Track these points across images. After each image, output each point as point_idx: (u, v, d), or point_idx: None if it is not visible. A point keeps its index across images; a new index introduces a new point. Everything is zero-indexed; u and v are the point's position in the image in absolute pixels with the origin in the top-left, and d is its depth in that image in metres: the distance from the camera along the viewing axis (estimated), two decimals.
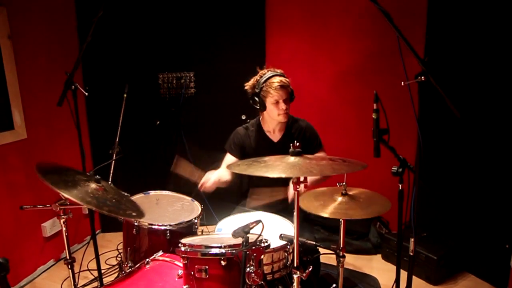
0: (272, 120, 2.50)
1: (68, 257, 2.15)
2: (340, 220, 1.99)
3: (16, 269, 2.92)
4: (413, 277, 2.13)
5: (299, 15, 3.47)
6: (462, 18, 2.91)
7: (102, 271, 3.02)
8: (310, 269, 1.54)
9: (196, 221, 2.38)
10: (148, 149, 3.49)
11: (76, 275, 3.08)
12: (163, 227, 2.26)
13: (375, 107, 1.85)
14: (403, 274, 3.02)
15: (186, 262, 1.68)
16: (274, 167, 1.44)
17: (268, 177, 1.35)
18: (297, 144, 1.53)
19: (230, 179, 2.55)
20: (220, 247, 1.62)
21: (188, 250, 1.66)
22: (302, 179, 1.47)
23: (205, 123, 3.58)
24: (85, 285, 2.99)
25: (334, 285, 2.15)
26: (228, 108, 3.55)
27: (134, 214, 1.85)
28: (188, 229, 2.39)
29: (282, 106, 2.37)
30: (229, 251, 1.59)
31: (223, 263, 1.59)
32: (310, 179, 2.31)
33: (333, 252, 1.98)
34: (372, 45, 3.34)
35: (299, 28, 3.49)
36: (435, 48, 3.07)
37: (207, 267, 1.62)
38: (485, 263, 2.96)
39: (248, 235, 1.53)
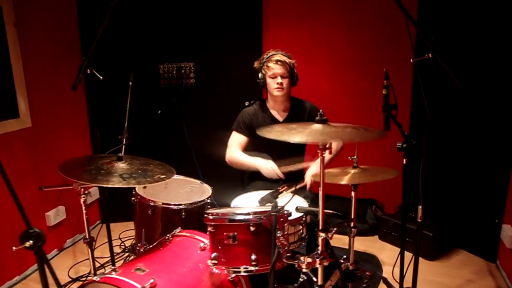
0: (274, 99, 2.64)
1: (87, 237, 2.18)
2: (352, 189, 2.12)
3: (22, 258, 2.92)
4: (411, 254, 2.27)
5: (296, 7, 3.58)
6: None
7: (108, 259, 3.06)
8: (335, 230, 1.64)
9: (208, 201, 2.46)
10: (150, 138, 3.54)
11: (81, 263, 3.12)
12: (179, 207, 2.33)
13: (385, 84, 1.96)
14: (406, 254, 3.19)
15: (213, 230, 1.76)
16: (305, 133, 1.54)
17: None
18: (322, 112, 1.63)
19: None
20: (248, 214, 1.71)
21: (217, 218, 1.74)
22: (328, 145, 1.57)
23: (206, 112, 3.66)
24: (102, 266, 3.06)
25: (344, 256, 2.27)
26: (227, 97, 3.64)
27: (163, 176, 1.92)
28: (201, 208, 2.45)
29: (278, 80, 2.53)
30: (257, 217, 1.68)
31: (252, 228, 1.68)
32: (327, 157, 2.44)
33: (345, 221, 2.10)
34: (367, 36, 3.48)
35: (296, 19, 3.61)
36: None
37: (236, 233, 1.70)
38: (476, 238, 3.14)
39: (277, 200, 1.62)
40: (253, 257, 1.67)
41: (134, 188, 2.48)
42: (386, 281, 2.59)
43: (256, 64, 2.69)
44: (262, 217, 1.66)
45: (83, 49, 3.41)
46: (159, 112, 3.50)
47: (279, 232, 1.66)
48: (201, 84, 3.62)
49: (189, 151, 3.56)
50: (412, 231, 2.88)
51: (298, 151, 2.70)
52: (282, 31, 3.63)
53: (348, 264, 2.21)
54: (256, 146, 2.74)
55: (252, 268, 1.68)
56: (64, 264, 3.11)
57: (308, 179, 2.43)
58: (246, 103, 3.04)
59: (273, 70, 2.54)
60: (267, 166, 2.44)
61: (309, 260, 1.62)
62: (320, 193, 1.62)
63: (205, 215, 1.79)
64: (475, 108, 3.02)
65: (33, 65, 2.93)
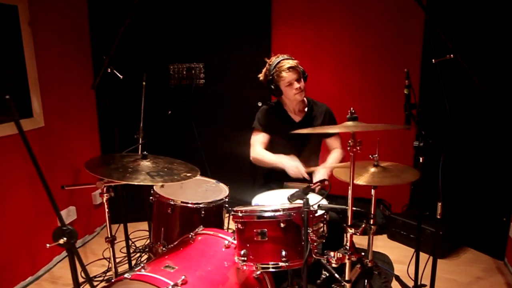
0: (291, 101, 2.64)
1: (109, 236, 2.18)
2: (372, 188, 2.16)
3: (35, 258, 2.91)
4: (421, 252, 2.33)
5: (304, 7, 3.63)
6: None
7: (119, 259, 3.06)
8: (363, 227, 1.67)
9: (227, 199, 2.48)
10: (160, 138, 3.55)
11: (93, 264, 3.12)
12: (199, 205, 2.34)
13: (406, 83, 2.00)
14: (410, 251, 3.26)
15: (242, 227, 1.77)
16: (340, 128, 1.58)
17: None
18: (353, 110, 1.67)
19: None
20: (278, 210, 1.73)
21: (247, 215, 1.76)
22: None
23: (215, 112, 3.68)
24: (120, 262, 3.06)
25: (363, 253, 2.31)
26: (236, 98, 3.67)
27: (189, 174, 1.94)
28: (219, 207, 2.48)
29: (296, 85, 2.52)
30: (287, 213, 1.71)
31: (282, 225, 1.70)
32: (333, 162, 2.49)
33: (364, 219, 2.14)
34: (374, 37, 3.54)
35: (304, 21, 3.65)
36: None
37: (266, 229, 1.73)
38: (484, 237, 3.20)
39: (308, 197, 1.65)
40: (283, 253, 1.69)
41: (152, 187, 2.50)
42: (398, 279, 2.62)
43: (262, 77, 2.66)
44: (292, 213, 1.69)
45: (93, 49, 3.41)
46: (169, 112, 3.51)
47: (309, 228, 1.69)
48: (210, 85, 3.64)
49: (198, 151, 3.57)
50: (422, 230, 2.93)
51: (313, 153, 2.73)
52: (290, 31, 3.67)
53: (367, 261, 2.24)
54: (273, 148, 2.77)
55: (282, 264, 1.70)
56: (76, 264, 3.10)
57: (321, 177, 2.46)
58: (260, 103, 3.08)
59: (288, 78, 2.51)
60: (293, 165, 2.43)
61: (339, 255, 1.65)
62: (350, 191, 1.66)
63: (233, 213, 1.81)
64: (483, 109, 3.08)
65: (46, 64, 2.93)
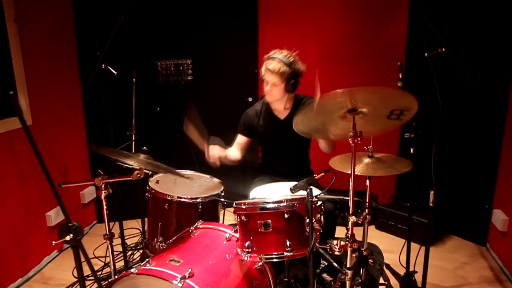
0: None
1: (107, 232, 2.17)
2: (367, 178, 2.22)
3: (25, 259, 2.85)
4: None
5: (290, 3, 3.67)
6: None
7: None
8: (366, 213, 1.73)
9: (222, 194, 2.50)
10: (149, 135, 3.52)
11: (84, 263, 3.07)
12: (196, 200, 2.36)
13: (400, 76, 2.07)
14: (398, 240, 3.35)
15: (246, 219, 1.80)
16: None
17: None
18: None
19: (239, 159, 2.72)
20: (280, 202, 1.77)
21: (250, 207, 1.79)
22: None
23: (203, 109, 3.65)
24: (106, 264, 3.02)
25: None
26: (225, 93, 3.68)
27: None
28: (215, 202, 2.50)
29: (266, 87, 2.54)
30: (291, 204, 1.75)
31: (286, 215, 1.74)
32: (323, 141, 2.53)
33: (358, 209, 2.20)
34: (359, 33, 3.62)
35: (290, 16, 3.69)
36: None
37: (270, 221, 1.76)
38: (467, 224, 3.33)
39: (311, 187, 1.69)
40: (287, 243, 1.73)
41: (147, 184, 2.49)
42: (389, 267, 2.71)
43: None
44: (296, 204, 1.73)
45: (79, 46, 3.36)
46: (158, 109, 3.49)
47: (312, 217, 1.73)
48: (198, 81, 3.64)
49: (187, 147, 3.56)
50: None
51: (301, 150, 2.78)
52: (277, 27, 3.71)
53: (362, 249, 2.31)
54: (262, 145, 2.85)
55: (287, 253, 1.73)
56: (66, 264, 3.07)
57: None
58: (250, 99, 3.10)
59: (265, 77, 2.53)
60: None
61: (342, 243, 1.70)
62: (351, 183, 1.71)
63: (236, 206, 1.84)
64: (466, 100, 3.19)
65: (33, 62, 2.87)
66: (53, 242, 1.59)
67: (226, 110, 3.62)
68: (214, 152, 2.57)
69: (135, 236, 3.45)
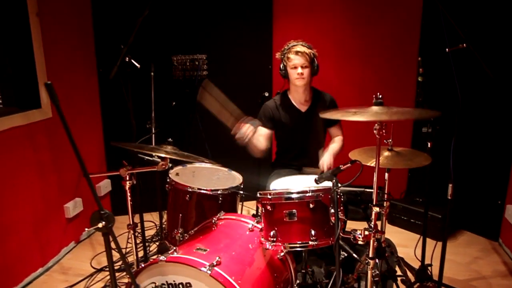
0: (297, 90, 2.74)
1: (131, 222, 2.21)
2: (386, 171, 2.26)
3: (44, 249, 2.90)
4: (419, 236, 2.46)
5: (305, 0, 3.70)
6: None
7: (128, 249, 3.07)
8: (387, 204, 1.76)
9: (242, 186, 2.54)
10: (165, 129, 3.56)
11: (101, 254, 3.12)
12: (216, 192, 2.40)
13: (421, 71, 2.10)
14: (410, 235, 3.37)
15: (271, 209, 1.84)
16: (365, 114, 1.66)
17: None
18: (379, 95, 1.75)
19: (263, 148, 2.73)
20: (306, 192, 1.81)
21: (276, 197, 1.82)
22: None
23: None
24: (124, 256, 2.99)
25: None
26: (239, 89, 3.69)
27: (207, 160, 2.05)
28: (234, 194, 2.54)
29: (299, 70, 2.62)
30: (316, 194, 1.78)
31: (311, 205, 1.78)
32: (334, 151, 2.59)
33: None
34: (373, 29, 3.65)
35: (305, 13, 3.72)
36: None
37: (295, 210, 1.80)
38: (479, 220, 3.36)
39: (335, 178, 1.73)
40: (312, 232, 1.77)
41: (167, 176, 2.54)
42: (403, 261, 2.74)
43: (277, 55, 2.77)
44: (321, 194, 1.76)
45: (96, 40, 3.39)
46: (174, 103, 3.54)
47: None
48: (213, 76, 3.67)
49: (202, 142, 3.61)
50: (423, 214, 3.06)
51: (318, 141, 2.82)
52: (291, 23, 3.74)
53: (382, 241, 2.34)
54: (281, 138, 2.87)
55: (312, 243, 1.77)
56: (84, 255, 3.11)
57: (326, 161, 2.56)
58: (266, 94, 3.14)
59: (294, 61, 2.63)
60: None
61: (366, 233, 1.74)
62: (375, 174, 1.74)
63: (260, 195, 1.88)
64: (481, 96, 3.20)
65: (52, 55, 2.91)
66: (86, 229, 1.63)
67: (241, 106, 3.65)
68: (246, 128, 2.52)
69: (151, 229, 3.49)
